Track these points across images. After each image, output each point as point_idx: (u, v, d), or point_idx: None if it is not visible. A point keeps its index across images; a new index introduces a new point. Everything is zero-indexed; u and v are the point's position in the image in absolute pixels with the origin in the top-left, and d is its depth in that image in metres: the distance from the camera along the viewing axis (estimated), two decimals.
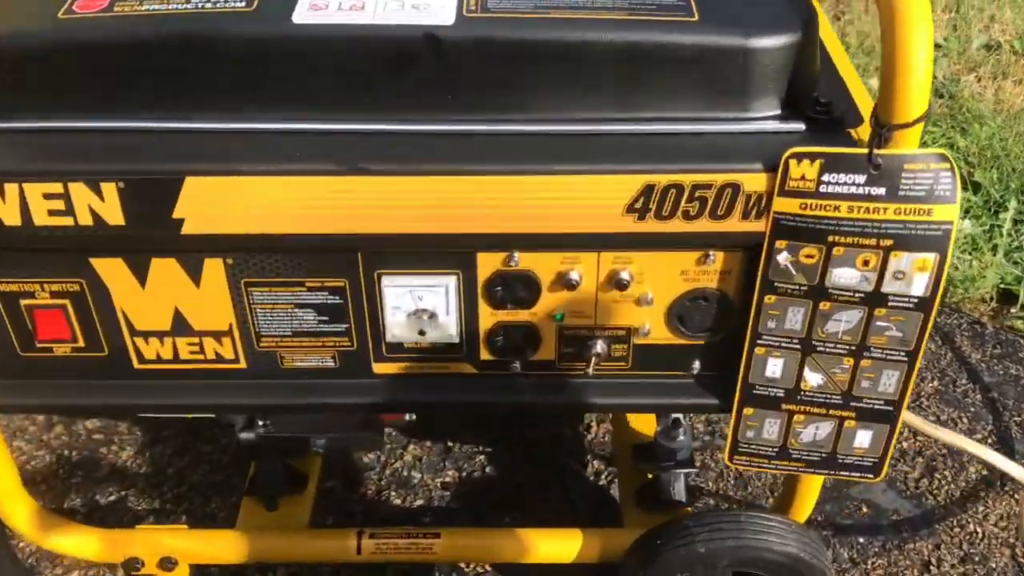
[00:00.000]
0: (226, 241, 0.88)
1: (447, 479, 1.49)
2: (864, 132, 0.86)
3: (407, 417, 1.25)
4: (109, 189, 0.85)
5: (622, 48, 0.85)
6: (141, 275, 0.92)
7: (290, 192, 0.85)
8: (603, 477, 1.47)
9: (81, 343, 0.97)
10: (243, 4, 0.88)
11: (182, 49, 0.86)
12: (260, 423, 1.21)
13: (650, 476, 1.29)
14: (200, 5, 0.88)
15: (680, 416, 1.22)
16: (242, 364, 0.99)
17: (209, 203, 0.85)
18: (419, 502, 1.45)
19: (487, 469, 1.50)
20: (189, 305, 0.95)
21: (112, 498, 1.46)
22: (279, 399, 1.01)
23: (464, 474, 1.49)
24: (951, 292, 1.83)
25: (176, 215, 0.86)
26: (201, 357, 0.99)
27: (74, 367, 0.99)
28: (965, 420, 1.58)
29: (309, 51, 0.86)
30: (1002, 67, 2.62)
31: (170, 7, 0.88)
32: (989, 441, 1.53)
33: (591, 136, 0.87)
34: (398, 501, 1.46)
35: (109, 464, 1.51)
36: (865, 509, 1.44)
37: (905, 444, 1.53)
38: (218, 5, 0.88)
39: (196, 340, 0.97)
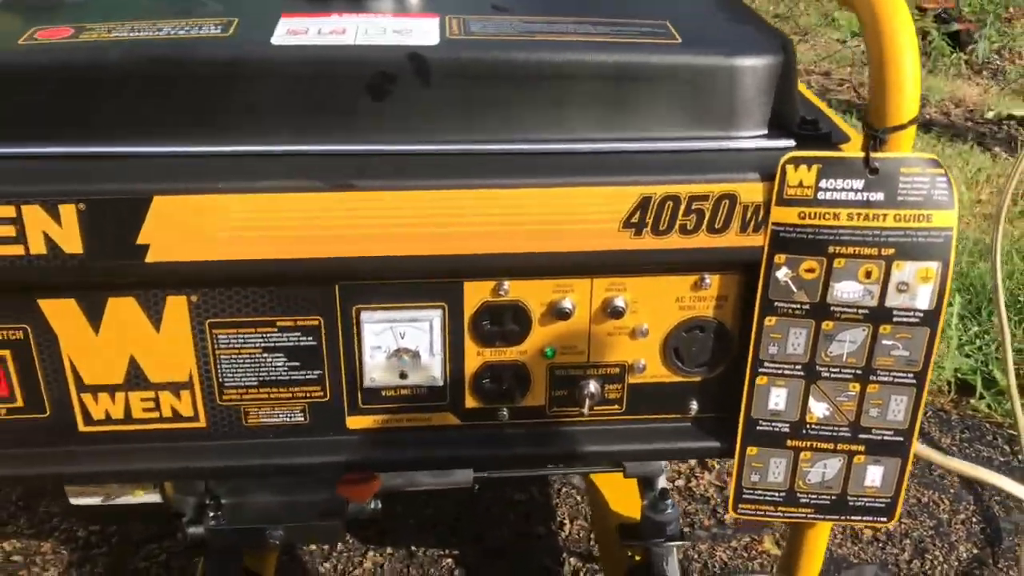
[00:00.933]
0: (192, 272, 0.81)
1: None
2: (853, 148, 0.85)
3: (372, 506, 1.16)
4: (68, 212, 0.78)
5: (609, 68, 0.84)
6: (95, 318, 0.84)
7: (266, 211, 0.79)
8: (582, 575, 1.37)
9: (19, 403, 0.87)
10: (219, 30, 0.86)
11: (157, 74, 0.82)
12: (211, 514, 1.10)
13: (637, 558, 1.20)
14: (173, 32, 0.85)
15: (667, 486, 1.15)
16: (201, 423, 0.90)
17: (177, 226, 0.79)
18: None
19: (455, 574, 1.38)
20: (146, 353, 0.86)
21: None
22: (242, 460, 0.91)
23: None
24: None
25: (141, 240, 0.79)
26: (156, 415, 0.89)
27: (8, 432, 0.88)
28: (946, 501, 1.53)
29: (289, 73, 0.82)
30: None
31: (141, 34, 0.85)
32: (974, 520, 1.49)
33: (582, 154, 0.85)
34: None
35: None
36: None
37: (891, 526, 1.47)
38: (192, 32, 0.85)
39: (151, 395, 0.88)
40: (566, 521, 1.46)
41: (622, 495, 1.28)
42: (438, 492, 1.50)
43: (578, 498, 1.50)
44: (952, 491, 1.56)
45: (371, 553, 1.42)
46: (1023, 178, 2.84)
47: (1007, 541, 1.45)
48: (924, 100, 3.71)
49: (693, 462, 1.60)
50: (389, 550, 1.42)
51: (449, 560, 1.41)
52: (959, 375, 1.84)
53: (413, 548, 1.42)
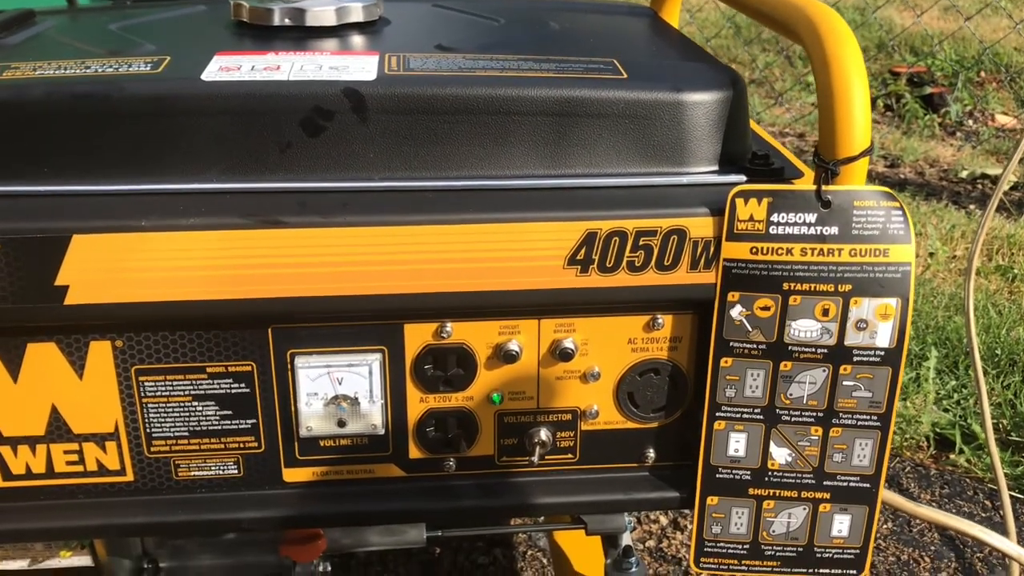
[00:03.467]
0: (116, 315, 0.77)
1: None
2: (806, 183, 0.82)
3: (321, 568, 1.10)
4: None
5: (551, 103, 0.82)
6: (13, 366, 0.80)
7: (192, 250, 0.75)
8: None
9: None
10: (148, 68, 0.83)
11: (80, 111, 0.79)
12: None
13: None
14: (101, 70, 0.83)
15: (631, 544, 1.10)
16: (128, 476, 0.85)
17: (98, 265, 0.75)
18: None
19: None
20: (69, 402, 0.82)
21: None
22: (172, 516, 0.86)
23: None
24: None
25: (60, 281, 0.75)
26: (80, 469, 0.84)
27: None
28: (927, 559, 1.47)
29: (219, 109, 0.79)
30: None
31: (67, 72, 0.82)
32: None
33: (526, 190, 0.82)
34: None
35: None
36: None
37: None
38: (121, 69, 0.83)
39: (75, 447, 0.83)
40: None
41: (586, 554, 1.22)
42: (399, 560, 1.44)
43: (544, 560, 1.44)
44: (933, 548, 1.51)
45: None
46: (999, 235, 2.84)
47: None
48: (898, 160, 3.73)
49: (665, 522, 1.55)
50: None
51: None
52: (937, 430, 1.80)
53: None
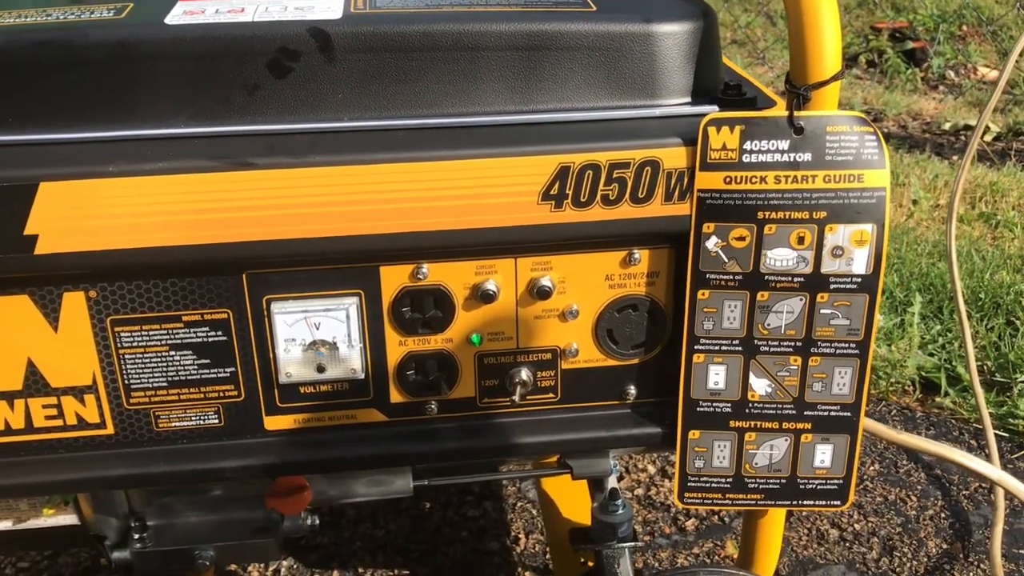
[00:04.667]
0: (88, 263, 0.76)
1: None
2: (779, 111, 0.82)
3: (308, 521, 1.10)
4: None
5: (520, 37, 0.81)
6: None
7: (162, 195, 0.74)
8: None
9: None
10: (111, 14, 0.82)
11: (43, 58, 0.77)
12: (136, 536, 1.04)
13: (590, 564, 1.14)
14: (62, 17, 0.81)
15: (617, 487, 1.10)
16: (108, 429, 0.85)
17: (67, 213, 0.74)
18: None
19: None
20: (45, 355, 0.81)
21: None
22: (154, 468, 0.85)
23: None
24: (875, 382, 1.79)
25: (28, 230, 0.74)
26: (59, 423, 0.84)
27: None
28: (913, 498, 1.49)
29: (183, 52, 0.78)
30: None
31: (28, 20, 0.81)
32: (943, 516, 1.44)
33: (497, 127, 0.81)
34: None
35: None
36: None
37: (858, 526, 1.42)
38: (83, 16, 0.81)
39: (54, 401, 0.83)
40: (521, 536, 1.40)
41: (574, 501, 1.23)
42: (388, 516, 1.45)
43: (533, 512, 1.45)
44: (919, 488, 1.52)
45: None
46: (982, 183, 2.84)
47: (977, 535, 1.40)
48: (881, 114, 3.73)
49: (653, 471, 1.55)
50: (335, 573, 1.36)
51: None
52: (923, 373, 1.81)
53: (361, 571, 1.36)
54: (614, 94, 0.83)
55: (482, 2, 0.85)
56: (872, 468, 1.56)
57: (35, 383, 0.82)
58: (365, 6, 0.83)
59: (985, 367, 1.81)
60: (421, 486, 1.06)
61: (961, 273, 2.15)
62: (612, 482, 1.11)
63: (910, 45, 4.35)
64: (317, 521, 1.10)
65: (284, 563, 1.37)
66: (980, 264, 2.18)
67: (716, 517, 1.45)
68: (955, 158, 3.24)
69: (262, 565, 1.36)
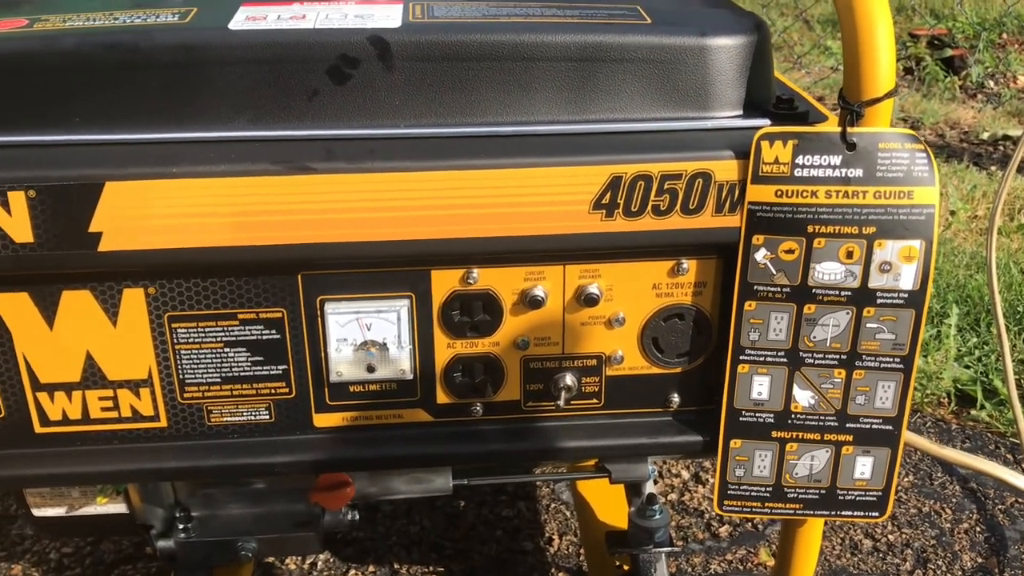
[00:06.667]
0: (148, 261, 0.78)
1: None
2: (831, 126, 0.83)
3: (349, 516, 1.12)
4: (17, 200, 0.75)
5: (575, 49, 0.82)
6: (49, 312, 0.81)
7: (223, 196, 0.76)
8: None
9: None
10: (176, 18, 0.84)
11: (111, 60, 0.79)
12: (180, 527, 1.06)
13: (626, 568, 1.15)
14: (129, 20, 0.84)
15: (655, 492, 1.11)
16: (162, 422, 0.87)
17: (130, 212, 0.76)
18: None
19: None
20: (104, 348, 0.83)
21: None
22: (204, 461, 0.88)
23: None
24: None
25: (93, 228, 0.76)
26: (115, 415, 0.86)
27: None
28: (948, 511, 1.48)
29: (246, 58, 0.80)
30: None
31: (96, 23, 0.83)
32: (977, 530, 1.44)
33: (551, 136, 0.82)
34: None
35: None
36: None
37: (892, 537, 1.42)
38: (149, 20, 0.84)
39: (110, 393, 0.85)
40: (555, 537, 1.41)
41: (610, 504, 1.24)
42: (423, 512, 1.46)
43: (567, 513, 1.46)
44: (954, 500, 1.51)
45: (352, 571, 1.37)
46: (1021, 195, 2.81)
47: (1013, 550, 1.40)
48: (919, 123, 3.70)
49: (687, 476, 1.56)
50: (371, 568, 1.38)
51: None
52: (959, 386, 1.80)
53: (396, 566, 1.38)
54: (667, 106, 0.84)
55: (538, 13, 0.86)
56: (907, 480, 1.56)
57: (93, 375, 0.84)
58: (424, 15, 0.85)
59: (1022, 381, 1.80)
60: (460, 485, 1.07)
61: (999, 285, 2.13)
62: (649, 487, 1.13)
63: (949, 53, 4.31)
64: (357, 516, 1.11)
65: (320, 557, 1.39)
66: (1019, 277, 2.16)
67: (750, 524, 1.45)
68: (993, 168, 3.21)
69: (299, 559, 1.38)
